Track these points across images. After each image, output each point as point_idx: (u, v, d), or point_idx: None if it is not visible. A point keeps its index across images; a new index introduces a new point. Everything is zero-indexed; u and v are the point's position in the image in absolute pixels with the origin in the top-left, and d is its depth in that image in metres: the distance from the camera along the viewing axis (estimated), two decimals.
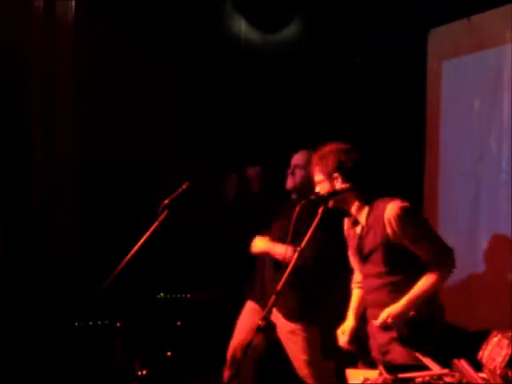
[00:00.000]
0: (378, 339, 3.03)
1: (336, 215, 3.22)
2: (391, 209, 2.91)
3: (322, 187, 3.06)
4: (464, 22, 4.97)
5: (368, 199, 3.04)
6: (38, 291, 4.77)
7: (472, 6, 4.80)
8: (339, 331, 3.30)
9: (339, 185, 3.01)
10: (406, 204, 2.94)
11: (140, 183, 5.07)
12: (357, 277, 3.37)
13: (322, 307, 3.97)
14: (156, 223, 3.25)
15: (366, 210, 3.04)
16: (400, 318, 2.92)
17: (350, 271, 3.45)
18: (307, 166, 3.94)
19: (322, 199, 2.87)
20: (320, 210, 2.79)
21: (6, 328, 4.56)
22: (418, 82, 5.31)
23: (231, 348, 4.09)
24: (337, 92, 5.51)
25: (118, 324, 4.89)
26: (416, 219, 2.97)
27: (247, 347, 2.99)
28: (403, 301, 2.92)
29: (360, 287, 3.33)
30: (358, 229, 3.09)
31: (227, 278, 5.26)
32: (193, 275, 5.41)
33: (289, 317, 3.88)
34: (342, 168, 3.02)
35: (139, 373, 4.78)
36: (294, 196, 4.07)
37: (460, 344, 2.84)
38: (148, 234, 3.22)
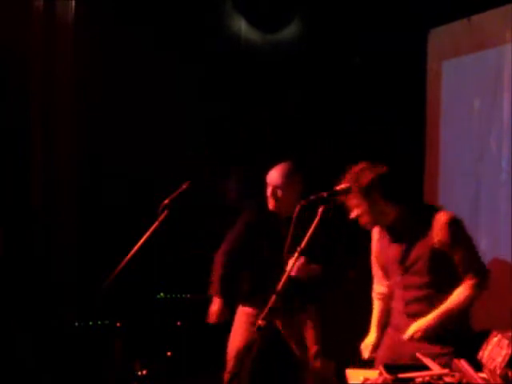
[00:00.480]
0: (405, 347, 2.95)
1: (335, 214, 3.21)
2: (441, 218, 2.93)
3: (360, 210, 2.98)
4: (464, 22, 4.97)
5: (409, 210, 3.00)
6: (38, 291, 4.76)
7: (472, 6, 4.80)
8: (363, 345, 3.24)
9: (377, 200, 2.95)
10: (452, 215, 2.97)
11: (140, 183, 5.07)
12: (378, 287, 3.29)
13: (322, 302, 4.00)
14: (156, 223, 3.25)
15: (409, 220, 3.00)
16: (429, 332, 2.88)
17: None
18: (287, 184, 3.80)
19: (322, 199, 2.85)
20: (320, 210, 2.78)
21: (6, 328, 4.56)
22: (417, 82, 5.31)
23: (230, 352, 4.07)
24: (337, 92, 5.51)
25: (118, 324, 4.89)
26: (463, 230, 2.98)
27: (251, 347, 2.99)
28: (434, 314, 2.89)
29: (382, 299, 3.27)
30: (405, 239, 3.01)
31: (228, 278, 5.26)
32: (193, 275, 5.41)
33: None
34: (378, 187, 2.95)
35: (139, 373, 4.78)
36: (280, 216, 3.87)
37: (460, 344, 2.83)
38: (148, 234, 3.22)
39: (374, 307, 3.31)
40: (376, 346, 3.17)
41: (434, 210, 2.99)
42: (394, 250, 3.04)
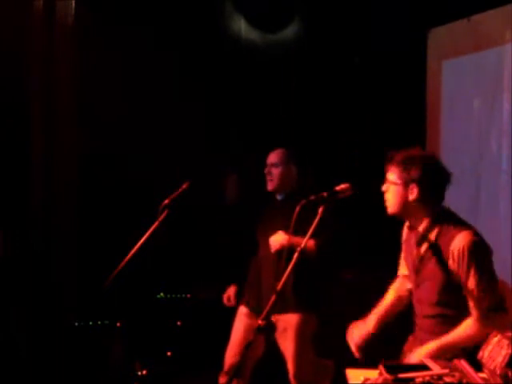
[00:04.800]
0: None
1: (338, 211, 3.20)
2: (461, 239, 2.70)
3: (392, 190, 2.84)
4: (464, 22, 4.98)
5: (437, 217, 2.81)
6: (38, 291, 4.77)
7: (472, 6, 4.81)
8: (354, 327, 3.11)
9: (411, 196, 2.78)
10: (476, 237, 2.73)
11: (140, 183, 5.07)
12: (403, 281, 3.14)
13: (321, 299, 3.99)
14: (156, 223, 3.25)
15: (436, 230, 2.80)
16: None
17: (349, 270, 3.43)
18: (283, 164, 4.01)
19: (322, 199, 2.84)
20: (320, 210, 2.77)
21: (6, 328, 4.56)
22: (417, 82, 5.32)
23: (229, 354, 4.07)
24: (336, 92, 5.52)
25: (118, 324, 4.89)
26: (482, 258, 2.73)
27: (247, 348, 2.98)
28: (434, 346, 2.73)
29: (398, 294, 3.12)
30: (423, 249, 2.85)
31: (227, 278, 5.26)
32: (193, 275, 5.42)
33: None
34: (424, 183, 2.77)
35: (139, 373, 4.78)
36: (278, 197, 4.07)
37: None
38: (148, 233, 3.22)
39: (385, 297, 3.16)
40: (366, 339, 3.05)
41: (459, 225, 2.77)
42: (415, 258, 2.90)
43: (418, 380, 2.36)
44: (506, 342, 2.26)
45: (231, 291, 4.27)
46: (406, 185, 2.79)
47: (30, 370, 4.58)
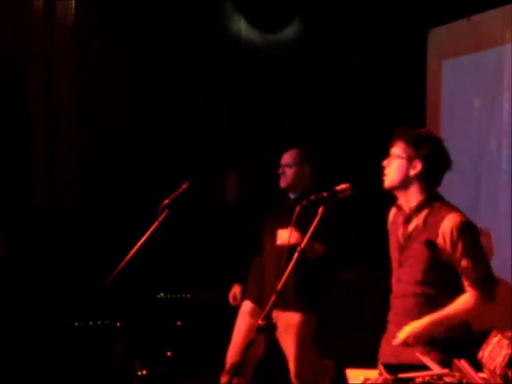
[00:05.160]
0: (391, 345, 2.85)
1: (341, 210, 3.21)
2: (450, 220, 2.76)
3: (394, 164, 2.88)
4: (464, 22, 4.98)
5: (430, 197, 2.86)
6: (38, 291, 4.77)
7: (472, 6, 4.81)
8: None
9: (413, 171, 2.83)
10: (466, 218, 2.79)
11: (140, 183, 5.07)
12: None
13: (321, 299, 3.99)
14: (156, 223, 3.25)
15: (426, 210, 2.85)
16: (422, 339, 2.76)
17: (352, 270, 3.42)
18: (297, 164, 4.06)
19: (322, 199, 2.84)
20: (320, 210, 2.77)
21: (6, 328, 4.56)
22: (417, 82, 5.32)
23: (230, 353, 4.07)
24: (336, 92, 5.52)
25: (118, 324, 4.89)
26: (473, 237, 2.79)
27: (248, 348, 2.98)
28: (428, 320, 2.76)
29: None
30: (411, 227, 2.88)
31: (227, 278, 5.26)
32: (193, 275, 5.42)
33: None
34: (429, 161, 2.84)
35: (139, 373, 4.78)
36: (291, 195, 4.10)
37: (460, 344, 2.82)
38: (148, 233, 3.22)
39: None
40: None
41: (449, 207, 2.84)
42: (401, 236, 2.92)
43: (418, 380, 2.36)
44: (506, 341, 2.26)
45: (237, 290, 4.28)
46: (410, 159, 2.86)
47: (30, 369, 4.58)
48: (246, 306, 4.12)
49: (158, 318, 5.28)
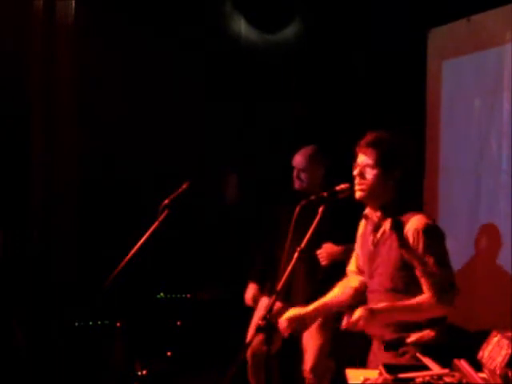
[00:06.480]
0: (378, 356, 2.84)
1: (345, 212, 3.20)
2: (414, 222, 2.76)
3: (370, 173, 2.86)
4: (464, 22, 4.97)
5: (402, 209, 2.84)
6: (38, 291, 4.77)
7: (472, 6, 4.80)
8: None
9: (390, 180, 2.83)
10: (430, 221, 2.81)
11: (140, 183, 5.07)
12: (344, 280, 3.13)
13: None
14: (156, 223, 3.25)
15: (390, 214, 2.85)
16: (374, 324, 2.71)
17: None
18: (312, 167, 4.04)
19: (323, 199, 2.83)
20: (320, 210, 2.77)
21: (6, 328, 4.56)
22: (417, 82, 5.31)
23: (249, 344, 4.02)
24: (336, 92, 5.51)
25: (118, 324, 4.89)
26: (437, 238, 2.79)
27: (247, 348, 2.97)
28: (382, 306, 2.72)
29: (343, 291, 3.07)
30: (379, 233, 2.88)
31: (227, 278, 5.26)
32: (193, 275, 5.41)
33: None
34: (405, 166, 2.86)
35: (139, 373, 4.78)
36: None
37: (460, 344, 2.82)
38: (148, 233, 3.22)
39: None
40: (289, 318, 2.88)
41: (415, 210, 2.83)
42: (370, 245, 2.92)
43: (418, 380, 2.36)
44: (505, 341, 2.26)
45: (255, 290, 4.19)
46: (386, 168, 2.83)
47: (30, 369, 4.58)
48: (264, 302, 4.10)
49: (158, 318, 5.28)
